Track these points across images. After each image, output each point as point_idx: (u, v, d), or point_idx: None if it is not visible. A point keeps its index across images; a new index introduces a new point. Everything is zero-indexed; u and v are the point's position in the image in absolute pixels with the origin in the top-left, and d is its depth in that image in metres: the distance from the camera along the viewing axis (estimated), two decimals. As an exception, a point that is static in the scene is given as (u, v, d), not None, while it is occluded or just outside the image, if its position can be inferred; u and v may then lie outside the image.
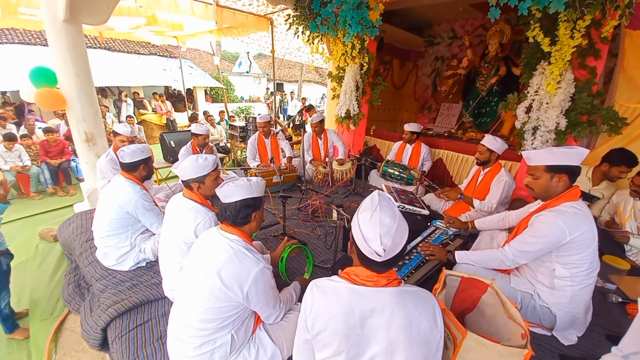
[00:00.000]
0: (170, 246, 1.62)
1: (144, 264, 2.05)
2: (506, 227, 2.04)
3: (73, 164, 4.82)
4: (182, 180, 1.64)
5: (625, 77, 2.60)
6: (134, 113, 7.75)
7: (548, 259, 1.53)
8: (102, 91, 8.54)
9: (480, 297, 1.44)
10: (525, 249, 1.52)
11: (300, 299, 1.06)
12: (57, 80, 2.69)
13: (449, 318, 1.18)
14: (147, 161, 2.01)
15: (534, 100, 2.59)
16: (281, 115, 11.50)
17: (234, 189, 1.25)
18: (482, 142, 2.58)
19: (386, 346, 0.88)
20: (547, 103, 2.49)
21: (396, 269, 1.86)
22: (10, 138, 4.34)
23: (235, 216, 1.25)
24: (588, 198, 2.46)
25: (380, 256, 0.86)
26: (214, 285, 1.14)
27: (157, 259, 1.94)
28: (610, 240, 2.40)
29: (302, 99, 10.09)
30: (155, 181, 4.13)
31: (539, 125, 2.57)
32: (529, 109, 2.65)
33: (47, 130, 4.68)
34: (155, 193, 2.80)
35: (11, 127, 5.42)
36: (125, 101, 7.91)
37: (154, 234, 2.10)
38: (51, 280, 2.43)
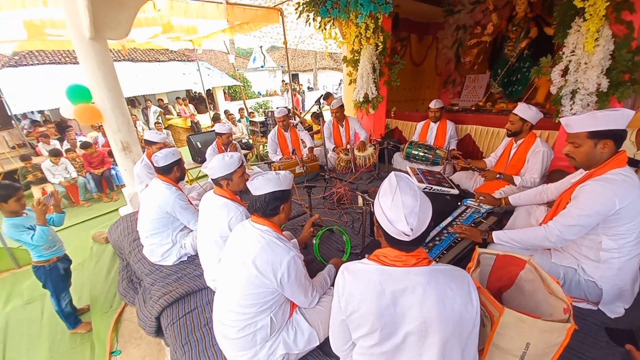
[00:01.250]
0: (208, 240, 1.73)
1: (185, 258, 2.21)
2: (544, 201, 1.92)
3: (113, 172, 5.23)
4: (212, 179, 1.73)
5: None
6: (161, 119, 8.15)
7: (594, 231, 1.43)
8: (131, 102, 9.07)
9: (518, 273, 1.39)
10: (571, 222, 1.40)
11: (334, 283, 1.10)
12: (92, 96, 2.90)
13: (485, 296, 1.16)
14: (179, 162, 2.15)
15: (570, 61, 2.36)
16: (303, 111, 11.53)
17: (263, 182, 1.32)
18: (514, 112, 2.42)
19: (420, 324, 0.89)
20: (585, 63, 2.26)
21: (427, 250, 1.84)
22: (55, 154, 4.79)
23: (265, 208, 1.33)
24: (634, 164, 2.23)
25: (409, 236, 0.87)
26: (251, 273, 1.22)
27: (197, 253, 2.08)
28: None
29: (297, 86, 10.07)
30: (187, 182, 4.37)
31: (578, 88, 2.34)
32: (565, 72, 2.42)
33: (84, 146, 5.09)
34: (189, 192, 2.98)
35: (55, 143, 5.96)
36: (150, 107, 8.32)
37: (192, 231, 2.25)
38: (107, 278, 2.71)
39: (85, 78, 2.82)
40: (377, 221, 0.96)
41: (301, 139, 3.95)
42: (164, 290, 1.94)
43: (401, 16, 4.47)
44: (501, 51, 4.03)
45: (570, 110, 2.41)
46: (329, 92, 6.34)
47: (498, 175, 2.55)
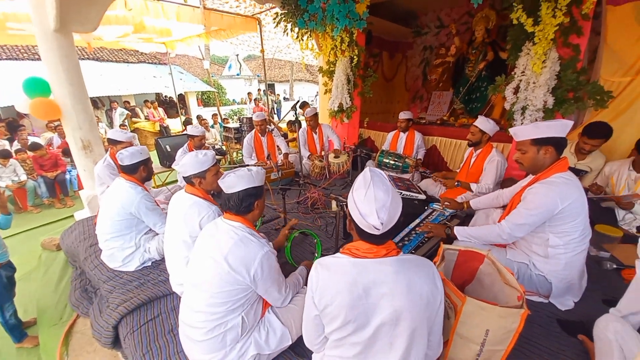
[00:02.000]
0: (176, 241, 1.66)
1: (149, 264, 2.09)
2: (500, 204, 2.09)
3: (68, 175, 4.82)
4: (183, 177, 1.68)
5: (609, 51, 2.67)
6: (127, 122, 7.72)
7: (542, 229, 1.58)
8: (94, 102, 8.51)
9: (478, 267, 1.50)
10: (520, 221, 1.56)
11: (307, 283, 1.12)
12: (51, 90, 2.70)
13: (449, 287, 1.23)
14: (147, 162, 2.05)
15: (521, 80, 2.65)
16: (275, 116, 11.53)
17: (236, 180, 1.30)
18: (474, 124, 2.65)
19: (391, 312, 0.93)
20: (533, 82, 2.55)
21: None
22: (4, 155, 4.32)
23: (239, 205, 1.31)
24: (576, 172, 2.53)
25: (379, 229, 0.91)
26: (223, 270, 1.19)
27: (163, 258, 1.98)
28: (601, 209, 2.48)
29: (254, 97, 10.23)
30: (154, 186, 4.15)
31: (528, 104, 2.63)
32: (516, 90, 2.71)
33: (32, 147, 4.62)
34: (156, 196, 2.83)
35: (4, 144, 5.38)
36: (116, 109, 7.87)
37: (157, 234, 2.13)
38: (57, 288, 2.46)
39: (45, 72, 2.63)
40: (350, 214, 1.00)
41: (277, 145, 3.96)
42: (124, 297, 1.80)
43: (374, 33, 4.75)
44: (462, 71, 4.41)
45: (521, 123, 2.69)
46: (305, 101, 6.46)
47: (456, 183, 2.76)
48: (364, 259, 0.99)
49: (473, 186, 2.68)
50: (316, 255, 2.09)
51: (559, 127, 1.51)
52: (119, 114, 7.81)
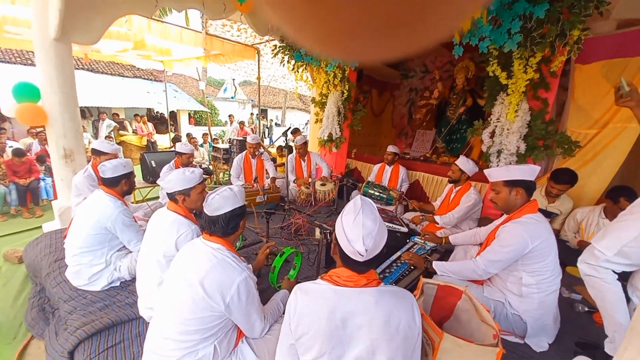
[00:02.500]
0: (150, 260, 1.59)
1: (118, 284, 1.96)
2: (477, 242, 2.18)
3: (42, 183, 4.59)
4: (167, 193, 1.65)
5: (576, 106, 2.93)
6: (113, 134, 7.59)
7: (515, 268, 1.65)
8: (82, 112, 8.35)
9: (456, 303, 1.52)
10: (494, 258, 1.64)
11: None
12: (40, 96, 2.67)
13: (427, 322, 1.23)
14: (129, 175, 2.00)
15: (496, 126, 2.88)
16: (266, 140, 11.66)
17: (222, 201, 1.27)
18: (455, 162, 2.81)
19: (368, 345, 0.92)
20: (507, 129, 2.78)
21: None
22: (-24, 158, 4.11)
23: (226, 227, 1.28)
24: (547, 215, 2.68)
25: (363, 256, 0.93)
26: (197, 294, 1.14)
27: (133, 279, 1.87)
28: (571, 251, 2.60)
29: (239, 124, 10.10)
30: (132, 201, 4.01)
31: (502, 148, 2.84)
32: (492, 134, 2.93)
33: (17, 154, 4.44)
34: (134, 211, 2.73)
35: (-21, 146, 5.13)
36: (104, 119, 7.75)
37: (131, 252, 2.03)
38: (14, 304, 2.24)
39: (38, 77, 2.62)
40: (336, 238, 1.02)
41: (266, 169, 3.99)
42: (84, 319, 1.66)
43: (365, 72, 5.08)
44: (444, 113, 4.73)
45: (497, 165, 2.87)
46: (297, 128, 6.63)
47: (422, 218, 2.90)
48: (344, 287, 0.99)
49: (437, 218, 2.80)
50: (292, 271, 1.94)
51: (528, 172, 1.64)
52: (106, 125, 7.69)
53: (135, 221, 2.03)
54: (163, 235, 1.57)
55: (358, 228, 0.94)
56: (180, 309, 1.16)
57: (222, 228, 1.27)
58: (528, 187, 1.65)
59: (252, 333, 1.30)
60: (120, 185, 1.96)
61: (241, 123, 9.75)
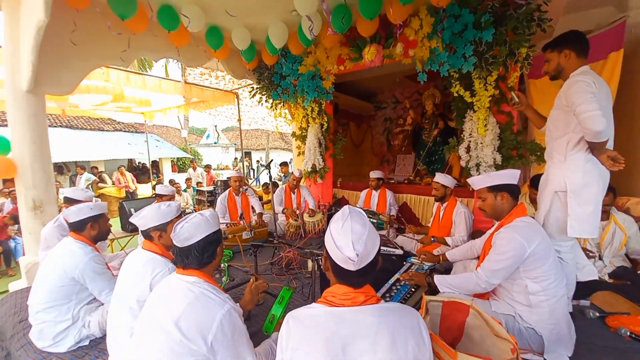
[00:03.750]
0: (121, 308, 1.41)
1: (87, 342, 1.72)
2: (475, 255, 2.13)
3: (13, 243, 4.24)
4: (142, 231, 1.53)
5: (535, 116, 3.17)
6: (91, 187, 7.33)
7: (518, 275, 1.59)
8: (59, 168, 8.13)
9: (465, 320, 1.41)
10: (494, 267, 1.58)
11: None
12: (10, 148, 2.58)
13: (437, 343, 1.12)
14: (97, 219, 1.84)
15: (470, 141, 3.01)
16: (255, 181, 11.59)
17: (193, 228, 1.15)
18: (435, 180, 2.90)
19: None
20: (481, 143, 2.91)
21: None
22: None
23: (201, 257, 1.15)
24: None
25: (354, 261, 0.86)
26: (173, 339, 0.99)
27: (104, 335, 1.64)
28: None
29: (206, 166, 9.77)
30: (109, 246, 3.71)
31: (480, 162, 2.94)
32: (468, 149, 3.05)
33: None
34: (110, 261, 2.51)
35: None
36: (82, 174, 7.52)
37: (102, 305, 1.81)
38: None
39: (10, 129, 2.56)
40: (326, 250, 0.95)
41: (251, 205, 3.89)
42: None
43: (341, 107, 5.35)
44: (420, 137, 4.95)
45: (478, 177, 2.95)
46: (285, 162, 6.68)
47: (432, 239, 2.81)
48: (341, 307, 0.89)
49: (448, 240, 2.75)
50: (279, 309, 1.58)
51: (509, 175, 1.68)
52: (85, 179, 7.44)
53: (109, 269, 1.84)
54: (136, 277, 1.42)
55: (347, 233, 0.89)
56: (155, 358, 0.99)
57: (196, 259, 1.14)
58: (512, 190, 1.67)
59: None
60: (87, 230, 1.80)
61: (207, 167, 9.58)
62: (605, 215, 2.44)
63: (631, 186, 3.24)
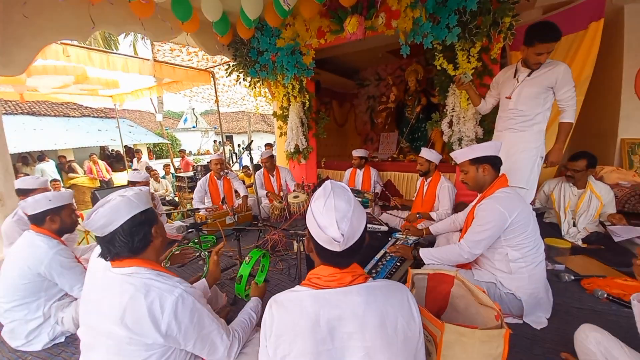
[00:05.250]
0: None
1: (62, 339, 1.64)
2: (457, 228, 2.16)
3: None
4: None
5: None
6: (61, 177, 6.89)
7: (499, 245, 1.63)
8: (23, 158, 7.55)
9: (450, 291, 1.43)
10: (476, 238, 1.61)
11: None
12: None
13: (424, 315, 1.11)
14: (58, 211, 1.67)
15: (452, 116, 2.99)
16: (236, 165, 11.28)
17: (110, 212, 0.96)
18: (420, 155, 2.88)
19: (363, 355, 0.78)
20: (463, 117, 2.90)
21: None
22: None
23: (131, 242, 0.98)
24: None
25: (339, 242, 0.80)
26: (121, 340, 0.91)
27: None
28: (545, 224, 2.67)
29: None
30: (78, 242, 3.52)
31: (462, 136, 2.94)
32: (451, 124, 3.04)
33: None
34: (82, 254, 2.36)
35: None
36: (47, 161, 7.01)
37: (76, 299, 1.70)
38: None
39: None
40: (309, 232, 0.89)
41: (235, 189, 3.77)
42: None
43: (323, 85, 5.18)
44: (403, 114, 4.91)
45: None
46: (269, 143, 6.51)
47: (418, 215, 2.84)
48: (327, 289, 0.84)
49: (433, 214, 2.78)
50: (259, 275, 1.59)
51: (491, 148, 1.68)
52: (40, 169, 6.91)
53: (79, 262, 1.72)
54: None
55: (330, 212, 0.82)
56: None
57: (125, 245, 0.97)
58: (494, 163, 1.68)
59: (217, 356, 1.06)
60: (47, 223, 1.64)
61: (181, 152, 8.91)
62: (581, 183, 2.52)
63: (605, 155, 3.37)
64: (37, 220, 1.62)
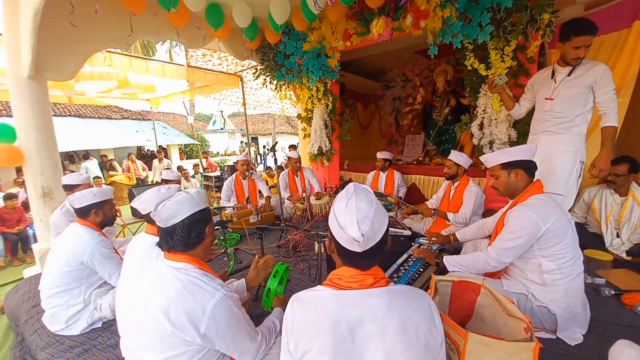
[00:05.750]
0: (129, 293, 1.41)
1: (99, 325, 1.77)
2: (486, 234, 2.06)
3: (31, 231, 4.41)
4: (143, 215, 1.51)
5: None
6: (102, 174, 7.47)
7: (532, 254, 1.53)
8: (70, 157, 8.29)
9: (475, 300, 1.37)
10: (506, 246, 1.52)
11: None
12: (16, 136, 2.59)
13: (448, 323, 1.08)
14: (101, 205, 1.83)
15: (484, 117, 2.85)
16: (261, 166, 11.59)
17: (176, 207, 1.06)
18: (449, 158, 2.76)
19: (384, 358, 0.77)
20: (495, 119, 2.76)
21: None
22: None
23: (187, 237, 1.06)
24: None
25: (359, 242, 0.80)
26: (164, 330, 0.95)
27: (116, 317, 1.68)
28: (588, 234, 2.47)
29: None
30: (116, 235, 3.78)
31: (494, 139, 2.79)
32: (481, 126, 2.90)
33: (7, 197, 4.33)
34: (120, 246, 2.55)
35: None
36: (91, 160, 7.61)
37: (113, 288, 1.84)
38: (-3, 357, 2.00)
39: (14, 117, 2.56)
40: (330, 230, 0.90)
41: (259, 190, 3.88)
42: (62, 368, 1.46)
43: (348, 87, 5.16)
44: (431, 116, 4.76)
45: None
46: (293, 144, 6.63)
47: (433, 212, 2.73)
48: (348, 290, 0.85)
49: (450, 215, 2.68)
50: (279, 287, 1.58)
51: (525, 151, 1.58)
52: (85, 167, 7.51)
53: (117, 253, 1.86)
54: (141, 260, 1.41)
55: (351, 212, 0.83)
56: (149, 350, 0.98)
57: (182, 239, 1.05)
58: (527, 167, 1.58)
59: (247, 357, 1.12)
60: (92, 216, 1.79)
61: (204, 153, 8.87)
62: (624, 190, 2.32)
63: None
64: (83, 213, 1.77)
